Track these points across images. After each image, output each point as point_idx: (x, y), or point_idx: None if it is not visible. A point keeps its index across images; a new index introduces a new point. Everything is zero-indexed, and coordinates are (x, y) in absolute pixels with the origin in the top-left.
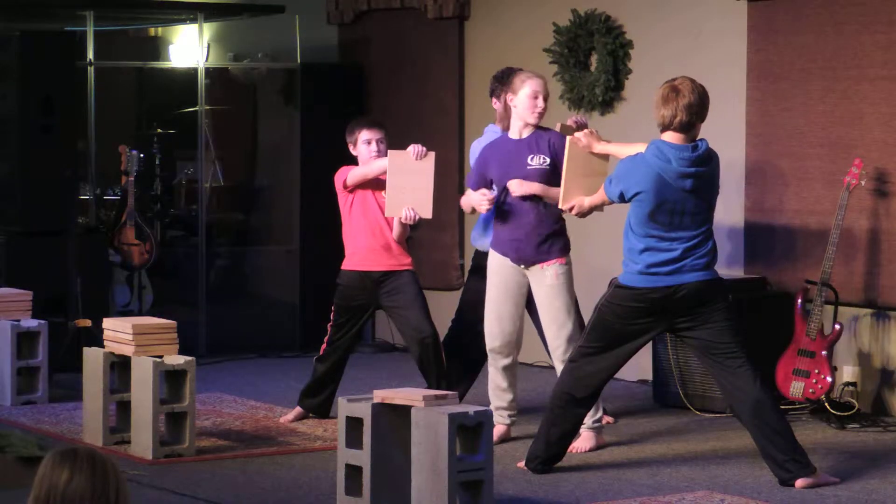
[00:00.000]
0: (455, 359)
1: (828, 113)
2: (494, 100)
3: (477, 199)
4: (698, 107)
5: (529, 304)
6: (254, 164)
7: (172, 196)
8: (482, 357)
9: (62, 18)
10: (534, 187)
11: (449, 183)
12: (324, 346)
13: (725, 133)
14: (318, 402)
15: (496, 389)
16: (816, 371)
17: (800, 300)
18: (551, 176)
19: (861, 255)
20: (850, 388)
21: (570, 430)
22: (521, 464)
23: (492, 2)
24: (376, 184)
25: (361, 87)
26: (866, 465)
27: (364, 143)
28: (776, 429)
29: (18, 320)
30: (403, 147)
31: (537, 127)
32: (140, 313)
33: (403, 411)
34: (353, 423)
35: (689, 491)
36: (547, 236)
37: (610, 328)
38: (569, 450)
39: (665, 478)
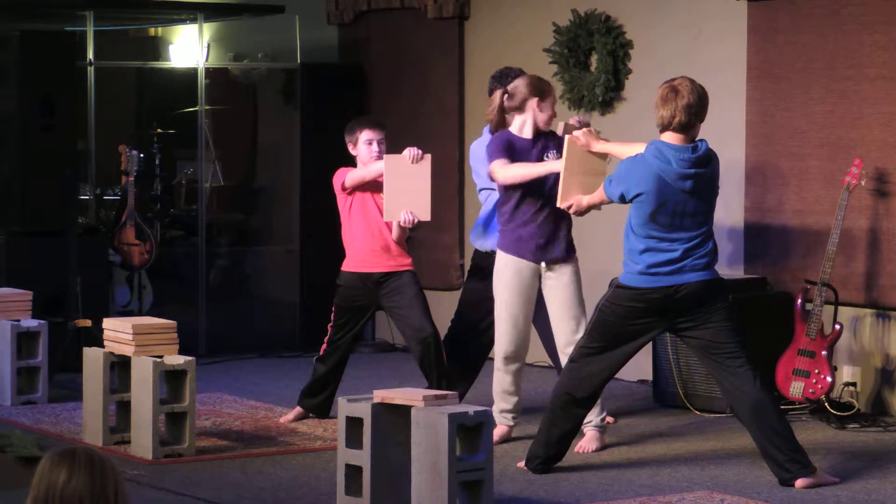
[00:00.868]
0: (455, 359)
1: (828, 113)
2: None
3: (547, 166)
4: (698, 107)
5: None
6: (254, 164)
7: (172, 196)
8: (482, 357)
9: (62, 18)
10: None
11: (449, 183)
12: (324, 346)
13: (725, 133)
14: (318, 402)
15: (503, 392)
16: (816, 371)
17: (800, 300)
18: None
19: (861, 255)
20: (850, 388)
21: (570, 430)
22: (521, 464)
23: (492, 2)
24: (375, 186)
25: (361, 87)
26: (866, 465)
27: (365, 143)
28: (776, 429)
29: (18, 320)
30: (399, 150)
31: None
32: (140, 313)
33: (403, 411)
34: (353, 423)
35: (689, 491)
36: (565, 234)
37: (610, 328)
38: (575, 450)
39: (665, 478)
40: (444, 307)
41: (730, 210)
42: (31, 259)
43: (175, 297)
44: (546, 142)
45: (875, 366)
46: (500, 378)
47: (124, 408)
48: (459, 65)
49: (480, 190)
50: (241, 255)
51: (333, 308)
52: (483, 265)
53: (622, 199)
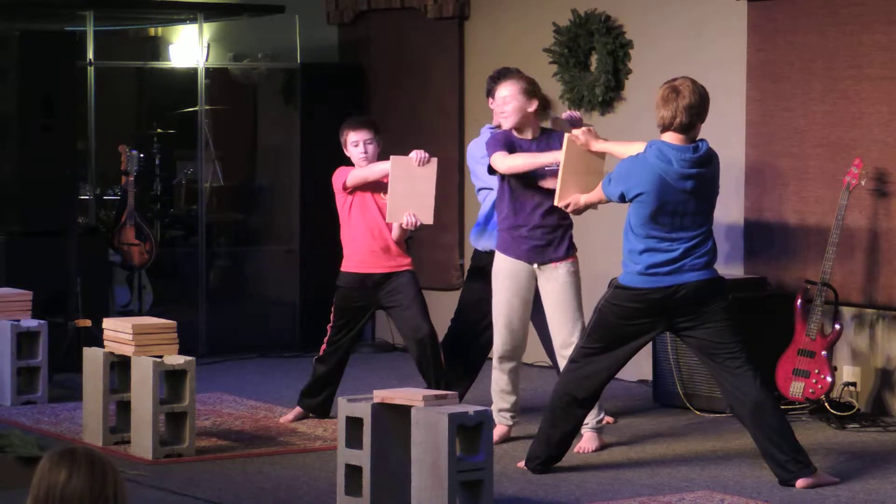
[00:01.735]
0: (455, 359)
1: (828, 113)
2: (491, 100)
3: (549, 156)
4: (698, 107)
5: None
6: (254, 164)
7: (172, 196)
8: (482, 357)
9: (62, 18)
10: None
11: (449, 183)
12: (324, 346)
13: (725, 133)
14: (317, 402)
15: (500, 392)
16: (816, 371)
17: (800, 300)
18: None
19: (861, 255)
20: (850, 388)
21: (570, 430)
22: (521, 464)
23: (492, 2)
24: (375, 186)
25: (361, 87)
26: (866, 465)
27: (352, 145)
28: (776, 429)
29: (18, 320)
30: (405, 152)
31: (543, 129)
32: (140, 313)
33: (403, 411)
34: (353, 423)
35: (689, 491)
36: (563, 235)
37: (610, 328)
38: (574, 450)
39: (665, 478)
40: (443, 307)
41: (729, 210)
42: (31, 259)
43: (175, 297)
44: (548, 142)
45: (875, 366)
46: (497, 377)
47: (124, 408)
48: (459, 65)
49: (479, 190)
50: (241, 255)
51: (333, 309)
52: (483, 265)
53: (622, 199)
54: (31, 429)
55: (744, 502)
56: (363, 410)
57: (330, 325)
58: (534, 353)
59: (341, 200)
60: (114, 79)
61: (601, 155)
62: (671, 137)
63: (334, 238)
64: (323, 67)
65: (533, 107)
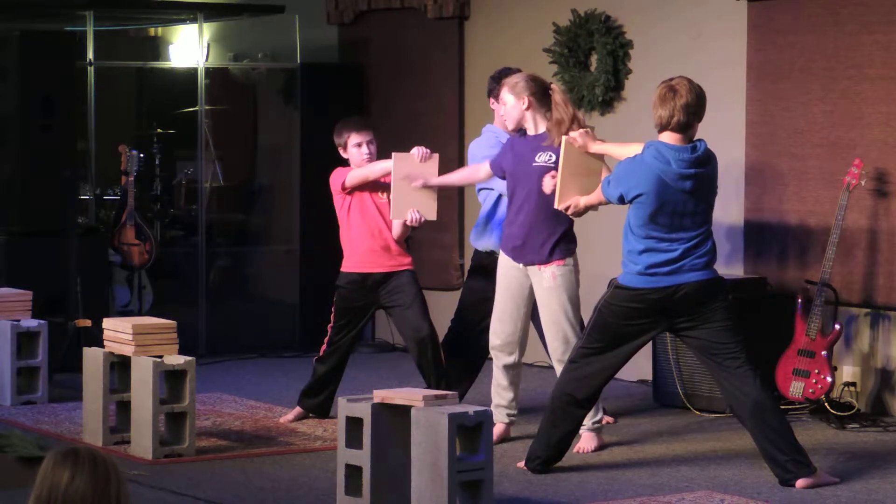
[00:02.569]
0: (455, 359)
1: (828, 113)
2: (492, 100)
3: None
4: (696, 107)
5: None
6: (254, 164)
7: (172, 196)
8: (482, 357)
9: (62, 18)
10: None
11: None
12: (324, 346)
13: (725, 133)
14: (318, 402)
15: (497, 387)
16: (816, 371)
17: (800, 300)
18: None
19: (861, 255)
20: (850, 388)
21: (570, 430)
22: (521, 464)
23: (492, 2)
24: (374, 185)
25: (361, 87)
26: (866, 465)
27: (354, 146)
28: (776, 429)
29: (18, 320)
30: (406, 149)
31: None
32: (140, 313)
33: (403, 411)
34: (353, 423)
35: (689, 491)
36: (547, 237)
37: (610, 329)
38: (573, 450)
39: (665, 478)
40: (443, 307)
41: (729, 210)
42: (31, 259)
43: (175, 297)
44: (536, 142)
45: (875, 366)
46: (495, 372)
47: (124, 408)
48: (459, 65)
49: (479, 190)
50: (241, 255)
51: (333, 309)
52: (483, 265)
53: (621, 201)
54: (31, 429)
55: (744, 502)
56: (363, 410)
57: (330, 325)
58: (534, 353)
59: (339, 201)
60: (114, 79)
61: (599, 156)
62: (669, 137)
63: (334, 238)
64: (323, 67)
65: (524, 102)
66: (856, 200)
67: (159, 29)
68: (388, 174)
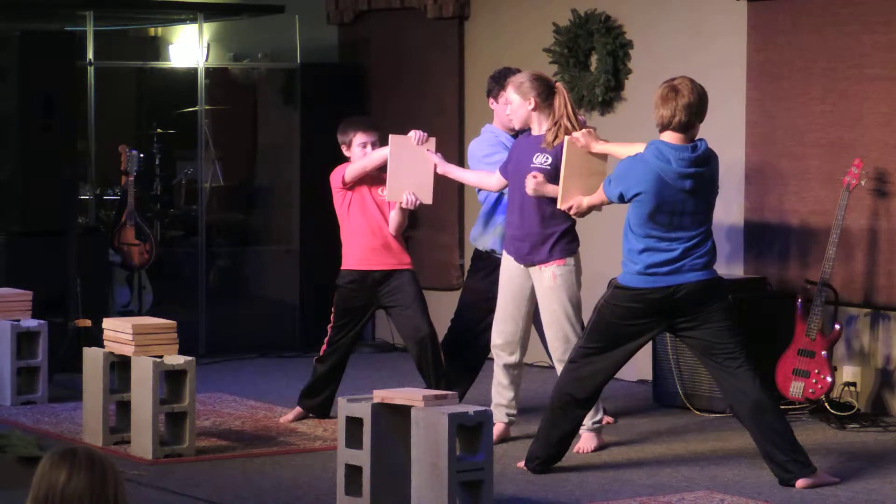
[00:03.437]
0: (455, 359)
1: (828, 113)
2: (492, 100)
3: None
4: (697, 107)
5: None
6: (254, 164)
7: (172, 196)
8: (482, 357)
9: (62, 18)
10: (546, 189)
11: (449, 183)
12: (324, 346)
13: (725, 133)
14: (318, 402)
15: (498, 386)
16: (816, 371)
17: (800, 300)
18: (552, 176)
19: (861, 255)
20: (850, 388)
21: (570, 430)
22: (521, 464)
23: (492, 2)
24: (373, 181)
25: (361, 87)
26: (866, 465)
27: (359, 146)
28: (776, 429)
29: (18, 320)
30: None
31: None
32: (140, 313)
33: (403, 411)
34: (353, 423)
35: (689, 491)
36: (548, 237)
37: (609, 328)
38: (573, 450)
39: (665, 478)
40: (443, 307)
41: (729, 210)
42: (31, 259)
43: (175, 297)
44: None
45: (875, 366)
46: (495, 371)
47: (124, 408)
48: (459, 65)
49: (479, 190)
50: (241, 255)
51: (333, 309)
52: (483, 265)
53: (621, 199)
54: (31, 429)
55: (744, 502)
56: (363, 410)
57: (330, 325)
58: (534, 352)
59: (339, 198)
60: (114, 79)
61: (602, 156)
62: (670, 137)
63: (334, 238)
64: (323, 67)
65: (530, 103)
66: (856, 200)
67: (159, 29)
68: (386, 163)
